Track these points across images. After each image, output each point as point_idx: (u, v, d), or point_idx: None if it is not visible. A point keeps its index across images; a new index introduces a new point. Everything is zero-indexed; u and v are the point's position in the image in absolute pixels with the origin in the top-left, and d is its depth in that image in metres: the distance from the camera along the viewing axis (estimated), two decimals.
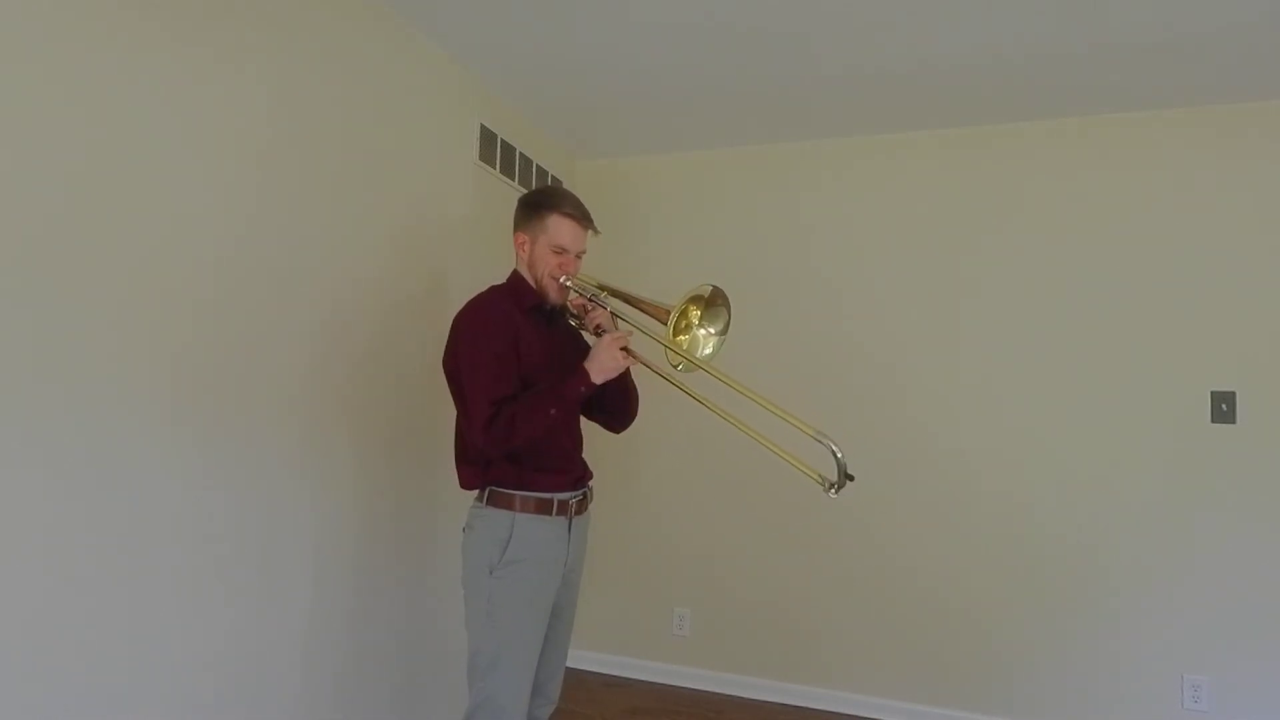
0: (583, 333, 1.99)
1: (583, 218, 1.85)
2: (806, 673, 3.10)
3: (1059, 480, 2.86)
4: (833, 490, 1.61)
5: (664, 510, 3.36)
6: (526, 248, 1.86)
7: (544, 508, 1.76)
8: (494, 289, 1.88)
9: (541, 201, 1.87)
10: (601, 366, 1.71)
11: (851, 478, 1.60)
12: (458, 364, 1.76)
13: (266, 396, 1.92)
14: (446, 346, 1.82)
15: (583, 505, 1.88)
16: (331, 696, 2.12)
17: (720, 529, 3.27)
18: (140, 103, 1.59)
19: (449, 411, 1.84)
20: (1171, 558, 2.72)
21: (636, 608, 3.36)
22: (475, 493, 1.81)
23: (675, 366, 1.73)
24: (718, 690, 3.19)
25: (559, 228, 1.82)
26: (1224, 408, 2.70)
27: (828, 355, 3.17)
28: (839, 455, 1.58)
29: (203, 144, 1.74)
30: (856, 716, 2.99)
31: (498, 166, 2.90)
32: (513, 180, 2.99)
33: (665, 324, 1.72)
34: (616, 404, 1.94)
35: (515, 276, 1.90)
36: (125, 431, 1.57)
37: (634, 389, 1.97)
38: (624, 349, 1.72)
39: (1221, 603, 2.66)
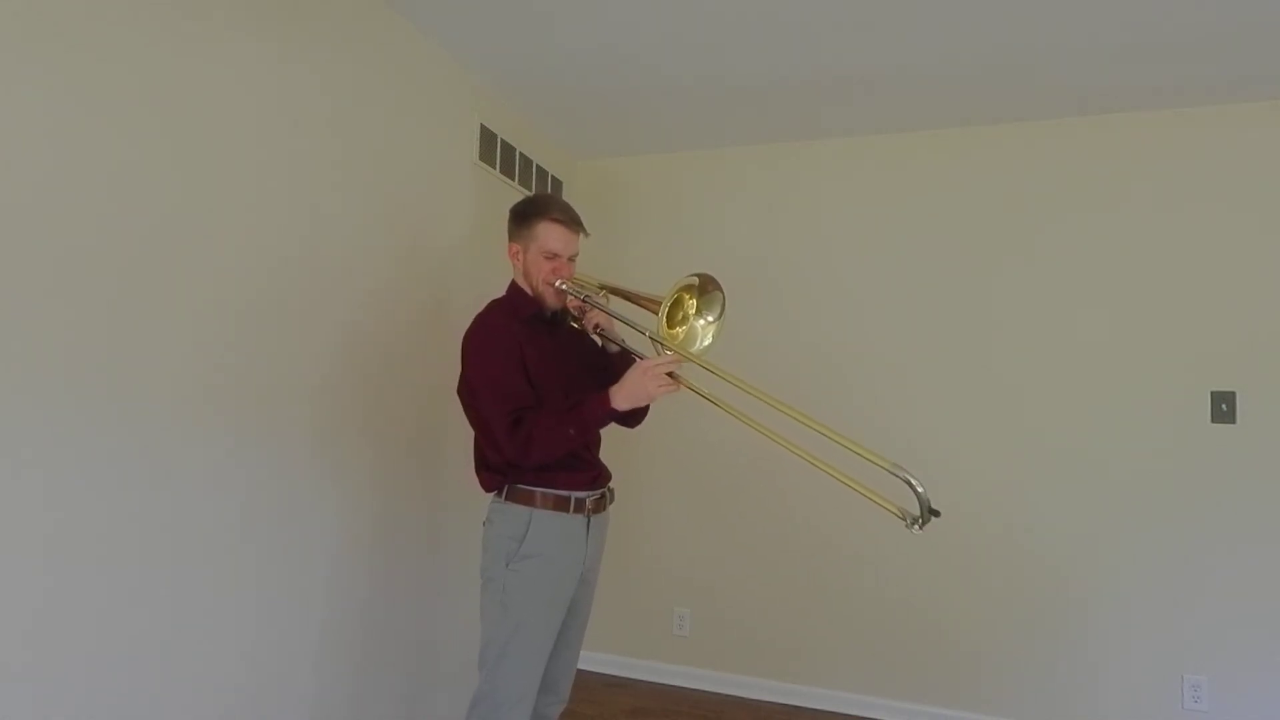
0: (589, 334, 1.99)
1: (571, 221, 1.85)
2: (807, 673, 3.10)
3: (1059, 480, 2.86)
4: (916, 526, 1.51)
5: (665, 510, 3.36)
6: (520, 257, 1.87)
7: (562, 505, 1.77)
8: (493, 304, 1.90)
9: (529, 210, 1.88)
10: (630, 394, 1.69)
11: (937, 513, 1.50)
12: (470, 383, 1.79)
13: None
14: (461, 372, 1.84)
15: (601, 504, 1.88)
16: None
17: (720, 529, 3.27)
18: (140, 115, 1.59)
19: (456, 410, 1.86)
20: (1171, 558, 2.72)
21: (637, 608, 3.36)
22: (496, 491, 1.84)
23: (660, 351, 1.71)
24: (718, 690, 3.19)
25: (548, 234, 1.83)
26: (1224, 408, 2.70)
27: (826, 353, 3.17)
28: (920, 490, 1.49)
29: (211, 149, 1.74)
30: (856, 716, 2.99)
31: (498, 166, 2.90)
32: (513, 180, 2.99)
33: (656, 315, 1.69)
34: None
35: (513, 287, 1.92)
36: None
37: None
38: (670, 374, 1.67)
39: (1221, 603, 2.66)
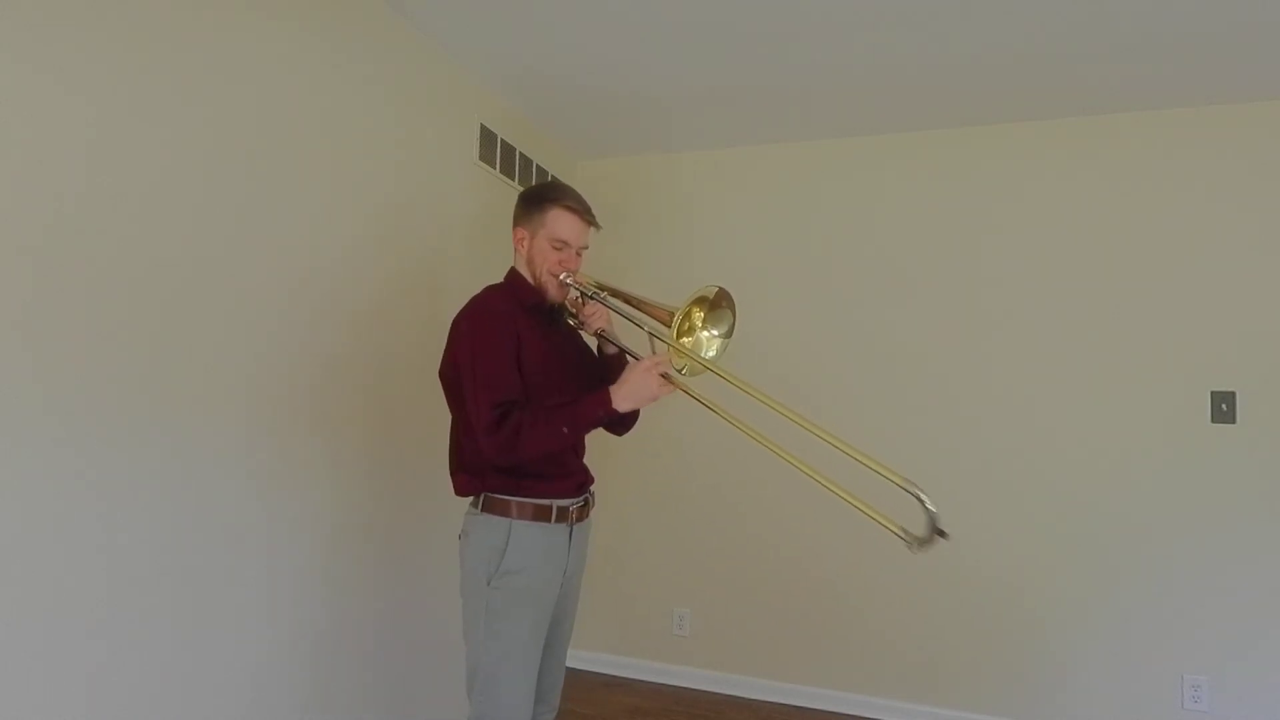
0: (584, 335, 1.90)
1: (585, 211, 1.76)
2: (806, 673, 3.10)
3: (1058, 480, 2.86)
4: (919, 547, 1.38)
5: (664, 510, 3.36)
6: (525, 243, 1.76)
7: (543, 514, 1.66)
8: (490, 288, 1.78)
9: (542, 194, 1.78)
10: (632, 393, 1.57)
11: (944, 534, 1.36)
12: (457, 367, 1.65)
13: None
14: (445, 351, 1.73)
15: (584, 512, 1.77)
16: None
17: (720, 530, 3.27)
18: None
19: (445, 413, 1.84)
20: (1171, 557, 2.72)
21: (636, 608, 3.36)
22: (470, 499, 1.72)
23: (679, 370, 1.60)
24: (718, 690, 3.19)
25: (559, 220, 1.73)
26: (1224, 408, 2.69)
27: (826, 353, 3.17)
28: (931, 508, 1.35)
29: (212, 150, 1.74)
30: (856, 716, 2.99)
31: (498, 166, 2.90)
32: (513, 180, 2.99)
33: (669, 326, 1.60)
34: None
35: (513, 274, 1.80)
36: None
37: None
38: (664, 375, 1.56)
39: (1221, 603, 2.65)
